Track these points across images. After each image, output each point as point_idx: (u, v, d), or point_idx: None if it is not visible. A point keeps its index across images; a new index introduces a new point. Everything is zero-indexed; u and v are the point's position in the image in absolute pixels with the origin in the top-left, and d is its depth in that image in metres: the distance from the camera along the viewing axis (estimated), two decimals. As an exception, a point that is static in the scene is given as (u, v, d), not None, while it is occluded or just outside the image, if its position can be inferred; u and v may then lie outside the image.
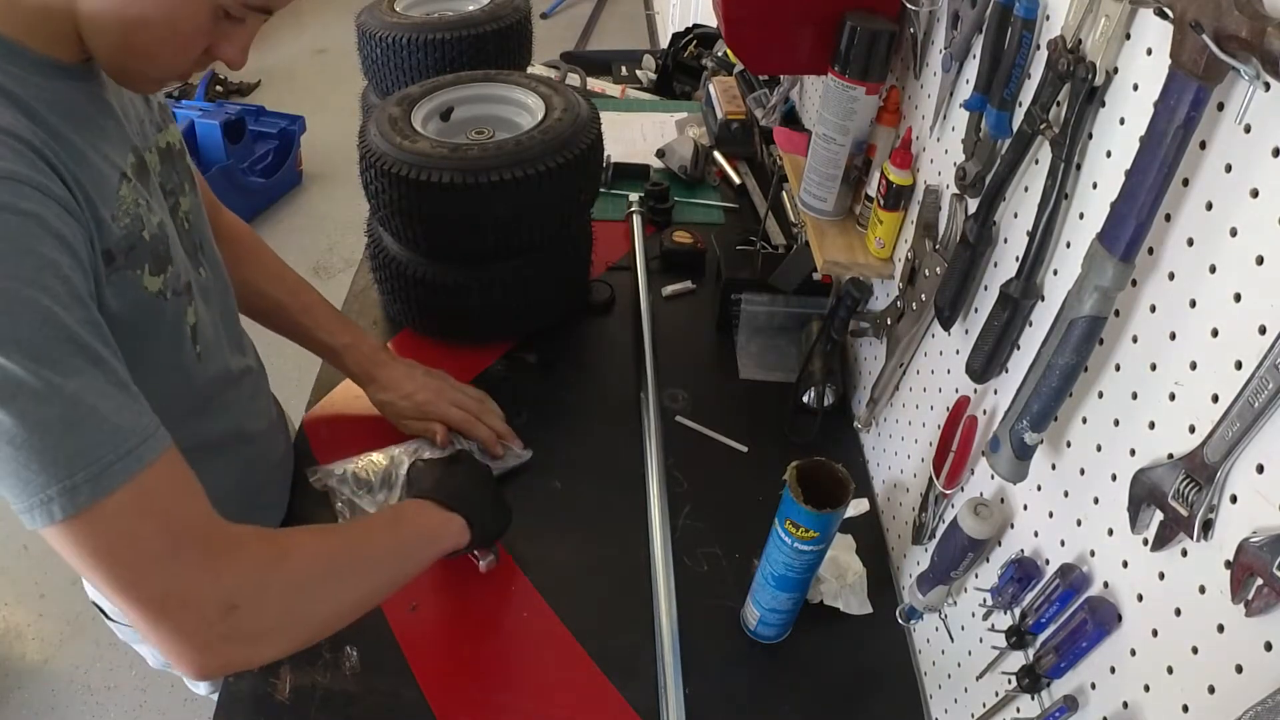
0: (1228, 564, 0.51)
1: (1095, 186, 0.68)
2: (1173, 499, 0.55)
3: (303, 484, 1.13)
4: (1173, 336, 0.59)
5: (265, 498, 1.08)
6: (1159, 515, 0.58)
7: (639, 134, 1.95)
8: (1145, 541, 0.60)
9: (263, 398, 1.08)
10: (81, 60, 0.72)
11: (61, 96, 0.69)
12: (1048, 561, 0.74)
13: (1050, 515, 0.74)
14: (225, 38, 0.72)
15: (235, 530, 0.69)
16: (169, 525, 0.63)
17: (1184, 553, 0.56)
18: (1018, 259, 0.74)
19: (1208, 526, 0.54)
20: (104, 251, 0.69)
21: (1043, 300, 0.75)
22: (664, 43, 2.90)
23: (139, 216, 0.74)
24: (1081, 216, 0.70)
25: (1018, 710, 0.76)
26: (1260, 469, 0.50)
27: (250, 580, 0.67)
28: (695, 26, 2.47)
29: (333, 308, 1.18)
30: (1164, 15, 0.53)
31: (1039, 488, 0.75)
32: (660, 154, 1.82)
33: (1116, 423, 0.65)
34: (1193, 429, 0.56)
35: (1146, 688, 0.60)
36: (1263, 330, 0.51)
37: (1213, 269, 0.55)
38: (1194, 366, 0.57)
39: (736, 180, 1.77)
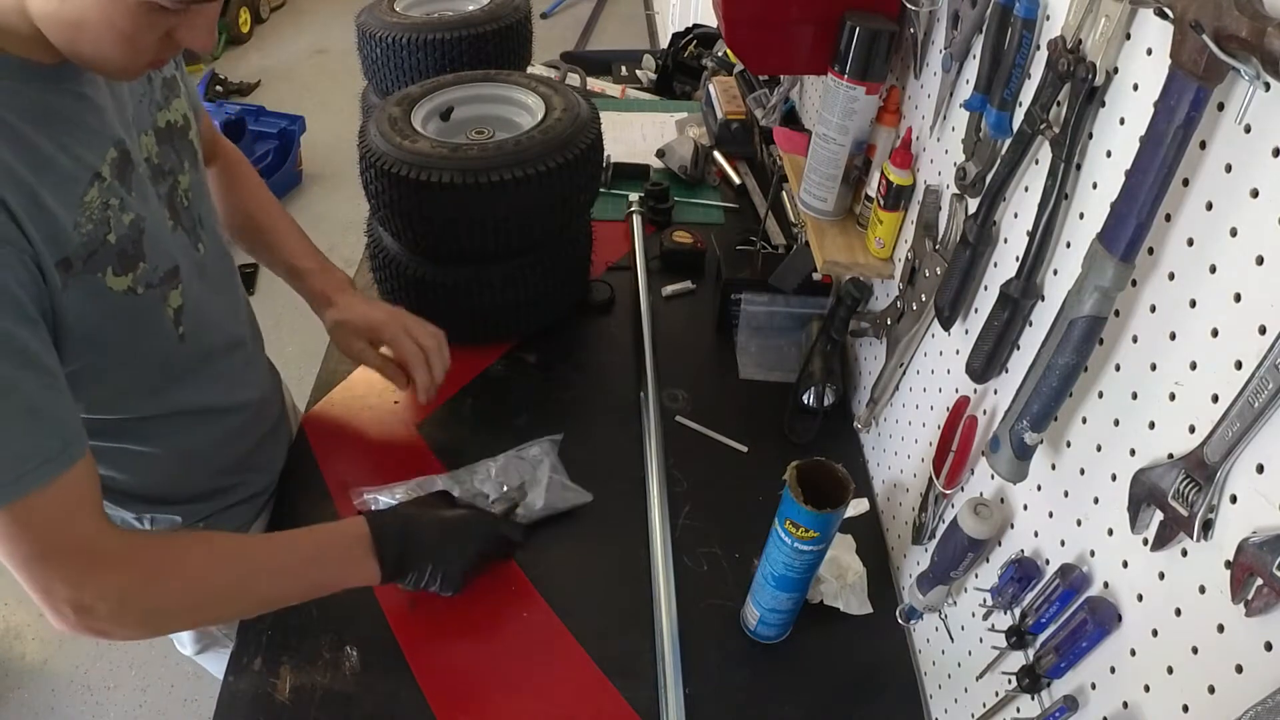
0: (1228, 564, 0.51)
1: (1095, 186, 0.68)
2: (1173, 499, 0.55)
3: (301, 472, 1.14)
4: (1173, 336, 0.59)
5: (255, 462, 1.09)
6: (1159, 515, 0.58)
7: (639, 134, 1.95)
8: (1145, 541, 0.60)
9: (256, 367, 1.09)
10: (64, 59, 0.72)
11: (36, 100, 0.70)
12: (1048, 561, 0.74)
13: (1050, 515, 0.74)
14: (182, 25, 0.70)
15: (115, 548, 0.76)
16: (44, 540, 0.71)
17: (1184, 553, 0.56)
18: (1018, 259, 0.74)
19: (1208, 526, 0.54)
20: (60, 260, 0.71)
21: (1043, 300, 0.75)
22: (664, 43, 2.90)
23: (105, 220, 0.75)
24: (1081, 216, 0.70)
25: (1018, 710, 0.76)
26: (1260, 469, 0.50)
27: (109, 595, 0.75)
28: (695, 26, 2.47)
29: (308, 239, 1.18)
30: (1164, 15, 0.53)
31: (1039, 488, 0.75)
32: (660, 154, 1.82)
33: (1116, 423, 0.65)
34: (1193, 429, 0.56)
35: (1146, 688, 0.60)
36: (1263, 330, 0.51)
37: (1213, 269, 0.55)
38: (1194, 366, 0.57)
39: (736, 180, 1.77)
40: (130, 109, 0.82)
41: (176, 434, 0.95)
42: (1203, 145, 0.55)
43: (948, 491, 0.90)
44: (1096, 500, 0.67)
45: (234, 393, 1.01)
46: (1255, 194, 0.51)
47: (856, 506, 1.05)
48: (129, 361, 0.84)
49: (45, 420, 0.70)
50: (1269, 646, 0.49)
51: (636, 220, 1.63)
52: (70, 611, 0.74)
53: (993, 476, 0.82)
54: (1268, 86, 0.48)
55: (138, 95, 0.83)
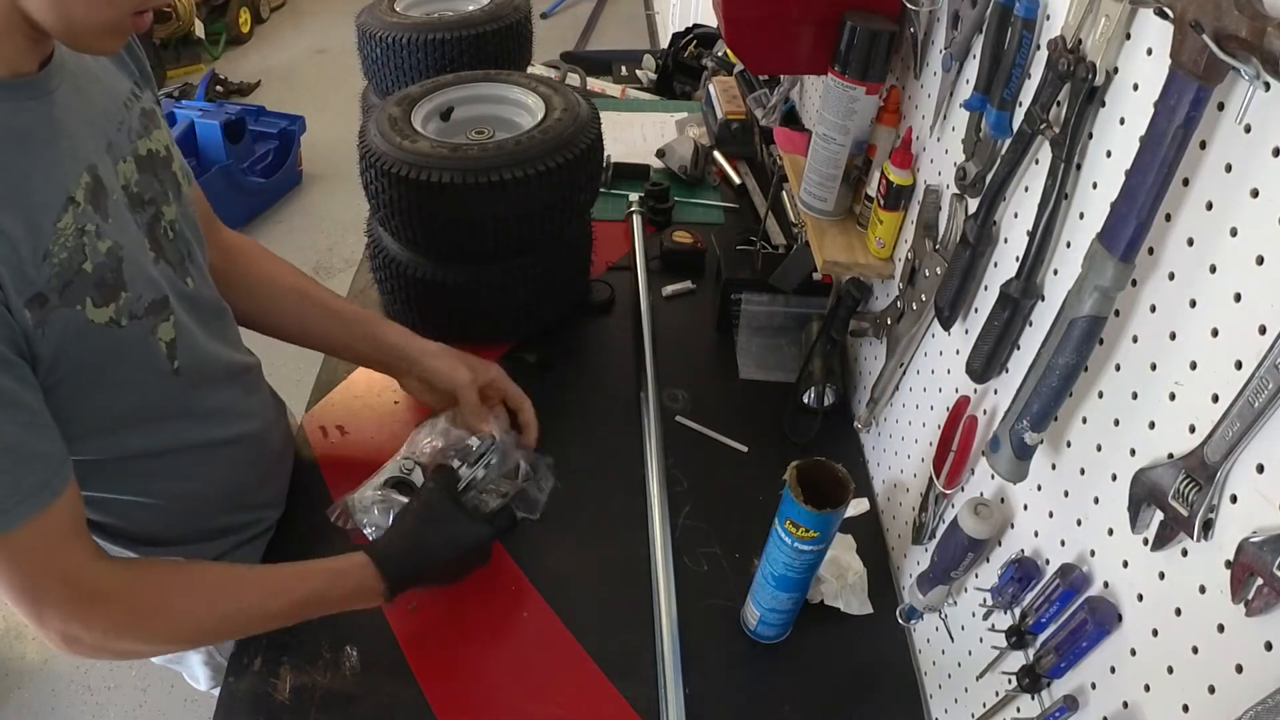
0: (1228, 564, 0.51)
1: (1095, 186, 0.68)
2: (1173, 499, 0.55)
3: (302, 477, 1.14)
4: (1173, 336, 0.59)
5: (263, 494, 1.08)
6: (1159, 515, 0.58)
7: (639, 134, 1.95)
8: (1145, 541, 0.60)
9: (259, 394, 1.06)
10: (36, 70, 0.70)
11: (5, 121, 0.68)
12: (1048, 561, 0.74)
13: (1050, 515, 0.74)
14: None
15: (102, 581, 0.77)
16: (30, 574, 0.74)
17: (1184, 553, 0.56)
18: (1018, 259, 0.74)
19: (1208, 526, 0.54)
20: (34, 296, 0.68)
21: (1043, 300, 0.75)
22: (664, 43, 2.91)
23: (80, 247, 0.72)
24: (1081, 216, 0.70)
25: (1018, 710, 0.76)
26: (1260, 469, 0.50)
27: (96, 627, 0.77)
28: (695, 26, 2.47)
29: (339, 301, 1.14)
30: (1164, 15, 0.53)
31: (1039, 488, 0.75)
32: (660, 154, 1.82)
33: (1116, 422, 0.65)
34: (1193, 429, 0.56)
35: (1147, 687, 0.60)
36: (1263, 330, 0.51)
37: (1213, 269, 0.55)
38: (1194, 366, 0.57)
39: (736, 180, 1.77)
40: (106, 135, 0.79)
41: (175, 472, 0.92)
42: (1203, 145, 0.55)
43: (948, 491, 0.90)
44: (1096, 500, 0.67)
45: (232, 424, 0.98)
46: (1255, 194, 0.52)
47: (856, 506, 1.05)
48: (119, 397, 0.81)
49: (22, 458, 0.70)
50: (1269, 646, 0.49)
51: (636, 220, 1.63)
52: (59, 640, 0.77)
53: (993, 476, 0.82)
54: (1268, 86, 0.48)
55: (115, 122, 0.81)
